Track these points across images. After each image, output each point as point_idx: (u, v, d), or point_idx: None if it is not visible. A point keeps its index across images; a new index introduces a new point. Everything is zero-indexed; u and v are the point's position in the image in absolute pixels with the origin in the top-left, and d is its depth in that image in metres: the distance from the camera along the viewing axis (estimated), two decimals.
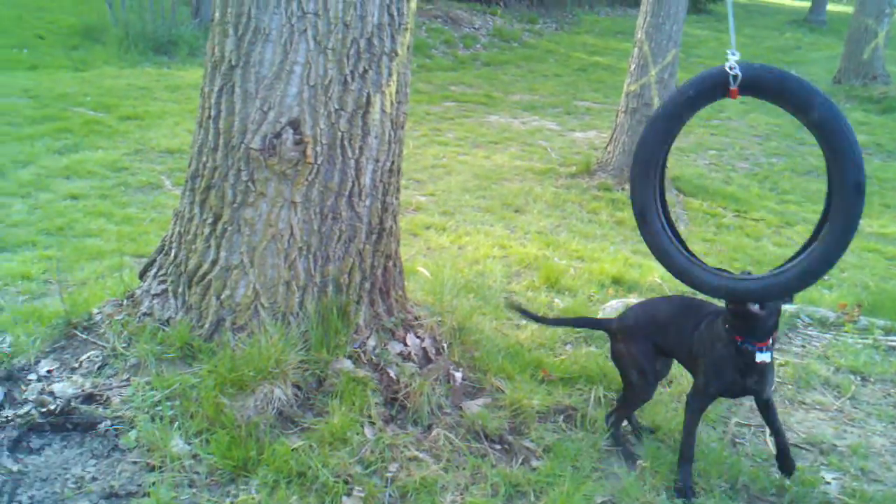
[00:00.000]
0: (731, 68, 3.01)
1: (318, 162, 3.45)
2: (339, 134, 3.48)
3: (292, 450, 3.12)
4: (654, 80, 8.18)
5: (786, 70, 3.05)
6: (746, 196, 8.77)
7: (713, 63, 16.66)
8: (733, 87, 3.03)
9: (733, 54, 3.02)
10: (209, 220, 3.56)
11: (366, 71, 3.48)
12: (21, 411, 3.22)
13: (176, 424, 3.17)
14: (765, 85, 3.03)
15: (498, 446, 3.52)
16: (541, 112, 12.00)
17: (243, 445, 3.10)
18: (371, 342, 3.77)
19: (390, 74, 3.58)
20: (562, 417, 3.83)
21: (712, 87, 3.12)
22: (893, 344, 5.08)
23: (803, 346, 5.02)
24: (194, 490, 2.95)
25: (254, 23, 3.35)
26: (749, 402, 4.21)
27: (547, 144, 10.04)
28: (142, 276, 3.92)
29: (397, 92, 3.67)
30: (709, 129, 12.00)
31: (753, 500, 3.38)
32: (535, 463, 3.44)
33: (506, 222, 7.01)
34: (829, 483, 3.53)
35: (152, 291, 3.75)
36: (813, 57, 19.32)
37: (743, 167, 10.19)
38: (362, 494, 3.03)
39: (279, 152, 3.37)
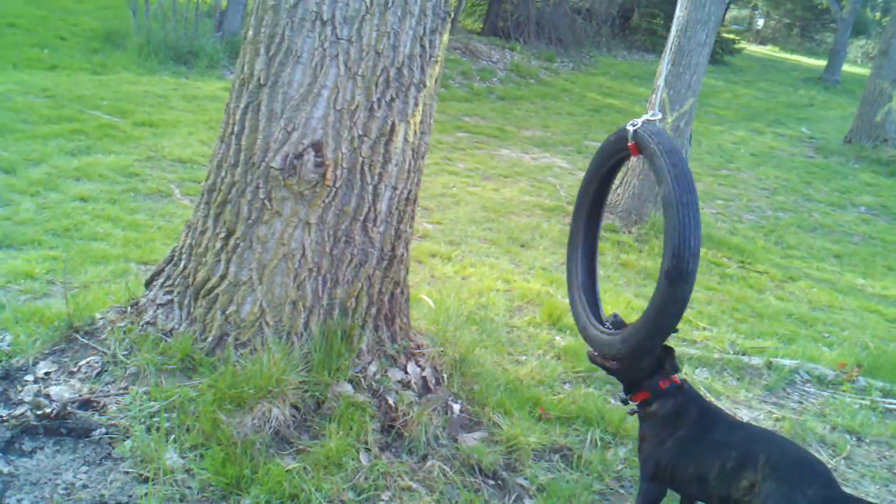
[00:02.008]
0: (633, 125, 3.19)
1: (337, 185, 3.47)
2: (361, 159, 3.50)
3: (286, 471, 3.11)
4: (670, 127, 8.22)
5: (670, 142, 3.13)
6: (751, 248, 8.79)
7: (725, 114, 16.75)
8: (630, 143, 3.21)
9: (654, 115, 3.22)
10: (222, 235, 3.57)
11: (393, 99, 3.51)
12: (16, 412, 3.21)
13: (171, 437, 3.16)
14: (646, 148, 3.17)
15: (492, 482, 3.51)
16: (552, 149, 12.05)
17: (238, 463, 3.09)
18: (372, 368, 3.76)
19: (416, 105, 3.61)
20: (557, 457, 3.82)
21: (618, 144, 3.38)
22: (890, 406, 5.08)
23: (801, 403, 5.02)
24: None
25: (286, 44, 3.38)
26: None
27: (556, 181, 10.08)
28: (148, 284, 3.92)
29: (422, 122, 3.70)
30: (717, 178, 12.05)
31: None
32: (527, 501, 3.43)
33: (511, 256, 7.02)
34: None
35: (157, 301, 3.75)
36: (825, 115, 19.43)
37: (749, 219, 10.22)
38: None
39: (299, 173, 3.38)
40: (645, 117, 3.19)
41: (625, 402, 3.40)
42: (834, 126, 17.35)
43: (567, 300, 5.90)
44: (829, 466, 4.19)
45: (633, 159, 3.63)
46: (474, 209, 8.27)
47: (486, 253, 6.96)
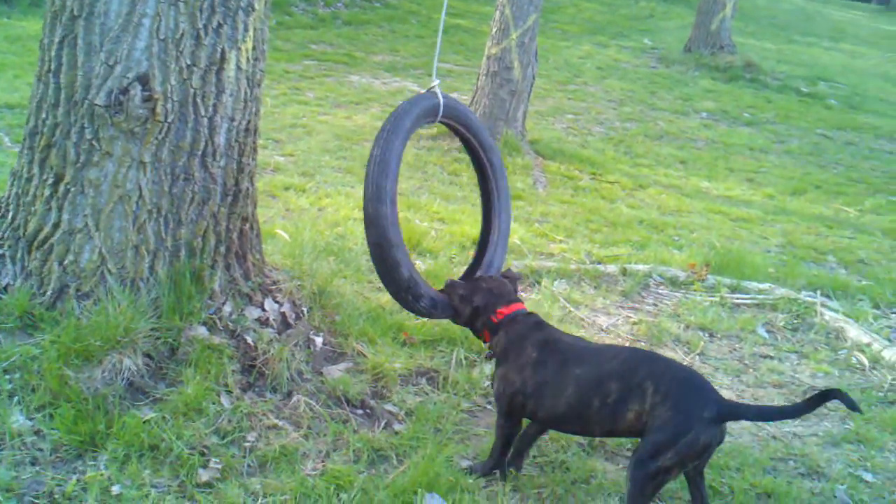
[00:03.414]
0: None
1: (169, 120, 3.27)
2: (192, 91, 3.31)
3: (144, 422, 2.99)
4: (515, 43, 8.23)
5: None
6: (602, 159, 8.99)
7: (570, 28, 16.96)
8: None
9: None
10: (50, 181, 3.33)
11: (220, 25, 3.32)
12: None
13: (15, 399, 2.99)
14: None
15: (360, 411, 3.48)
16: (403, 73, 11.91)
17: (91, 419, 2.95)
18: (227, 308, 3.64)
19: (247, 30, 3.43)
20: (424, 380, 3.84)
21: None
22: (738, 301, 5.34)
23: (655, 305, 5.21)
24: (38, 468, 2.79)
25: None
26: None
27: None
28: None
29: (254, 48, 3.52)
30: (566, 93, 12.23)
31: (610, 456, 3.48)
32: (397, 427, 3.43)
33: None
34: None
35: None
36: (665, 26, 19.92)
37: (599, 131, 10.45)
38: (219, 466, 2.94)
39: (126, 109, 3.17)
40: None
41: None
42: (674, 36, 17.83)
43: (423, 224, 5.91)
44: (686, 363, 4.39)
45: None
46: (327, 138, 8.10)
47: (341, 182, 6.84)
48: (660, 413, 2.77)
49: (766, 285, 5.59)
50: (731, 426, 3.82)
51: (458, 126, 3.83)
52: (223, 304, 3.62)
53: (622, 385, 2.88)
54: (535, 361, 3.08)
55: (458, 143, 8.38)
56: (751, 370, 4.49)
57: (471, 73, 11.61)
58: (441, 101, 3.63)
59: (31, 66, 8.59)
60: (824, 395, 2.75)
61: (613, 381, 2.90)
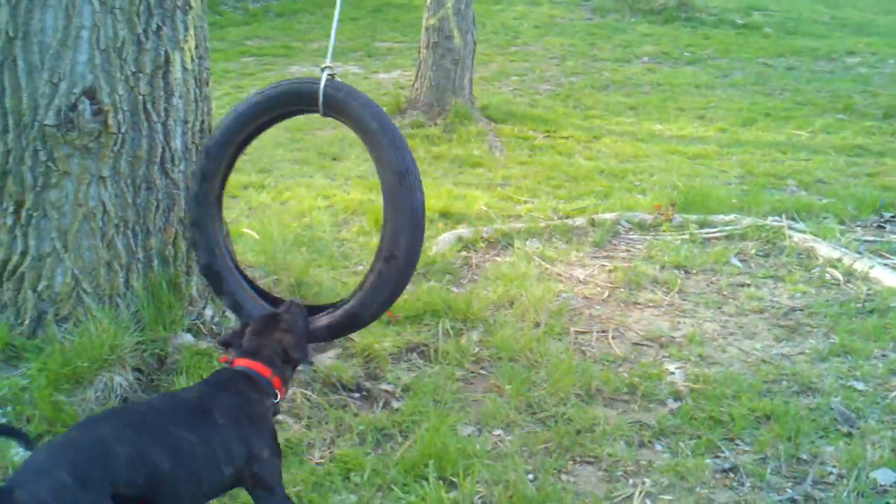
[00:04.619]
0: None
1: (122, 130, 3.22)
2: (141, 98, 3.26)
3: None
4: (452, 11, 8.19)
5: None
6: (553, 116, 9.00)
7: None
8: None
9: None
10: (10, 210, 3.27)
11: (160, 28, 3.26)
12: None
13: None
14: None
15: (357, 394, 3.48)
16: (342, 58, 11.80)
17: None
18: (208, 311, 3.62)
19: (187, 29, 3.38)
20: (415, 355, 3.84)
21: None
22: (708, 235, 5.40)
23: (628, 251, 5.25)
24: None
25: None
26: (587, 311, 4.38)
27: None
28: None
29: (197, 47, 3.47)
30: (507, 56, 12.21)
31: (609, 402, 3.52)
32: (396, 404, 3.43)
33: (325, 172, 6.89)
34: (673, 373, 3.73)
35: None
36: None
37: (546, 89, 10.46)
38: None
39: (78, 125, 3.11)
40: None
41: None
42: None
43: None
44: (667, 302, 4.45)
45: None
46: (277, 132, 7.99)
47: (299, 174, 6.80)
48: None
49: (732, 216, 5.65)
50: (720, 355, 3.90)
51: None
52: (203, 308, 3.60)
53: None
54: None
55: (408, 119, 8.39)
56: (731, 300, 4.55)
57: (411, 49, 11.56)
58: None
59: None
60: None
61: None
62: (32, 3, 3.06)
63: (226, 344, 2.74)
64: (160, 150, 3.37)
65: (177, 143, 3.43)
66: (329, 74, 2.97)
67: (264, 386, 2.51)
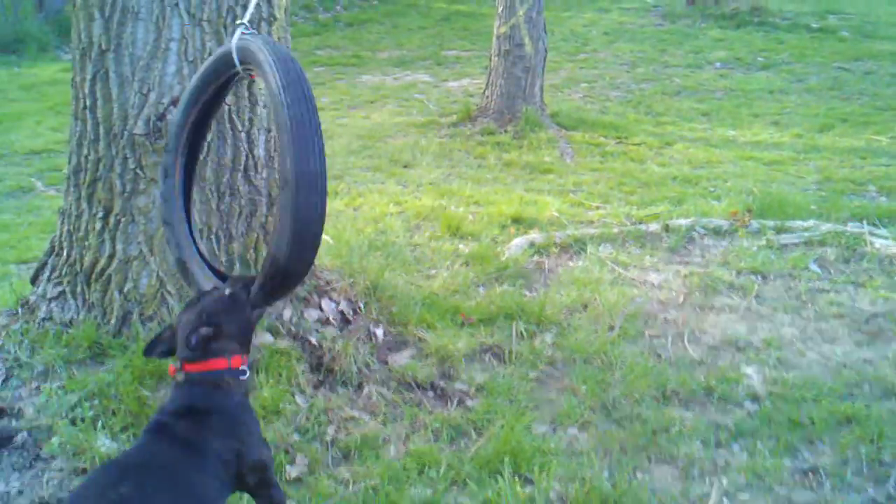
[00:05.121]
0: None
1: (208, 139, 3.34)
2: (226, 107, 3.38)
3: None
4: (523, 19, 8.24)
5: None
6: (624, 123, 8.96)
7: None
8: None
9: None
10: (100, 215, 3.42)
11: None
12: None
13: (99, 424, 3.07)
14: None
15: (431, 393, 3.54)
16: (411, 66, 11.94)
17: None
18: (287, 313, 3.71)
19: None
20: (488, 356, 3.89)
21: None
22: (785, 241, 5.32)
23: (703, 256, 5.21)
24: None
25: (120, 2, 3.20)
26: (662, 315, 4.36)
27: (423, 97, 10.01)
28: (33, 280, 3.75)
29: None
30: (577, 63, 12.18)
31: (685, 404, 3.51)
32: (470, 403, 3.48)
33: (397, 178, 6.98)
34: (751, 377, 3.70)
35: (48, 295, 3.59)
36: None
37: (616, 95, 10.41)
38: (306, 461, 3.02)
39: (165, 134, 3.24)
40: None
41: None
42: None
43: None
44: (744, 307, 4.40)
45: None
46: (349, 140, 8.16)
47: (371, 181, 6.90)
48: None
49: (810, 222, 5.56)
50: (799, 359, 3.85)
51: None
52: (282, 309, 3.70)
53: None
54: None
55: (479, 126, 8.46)
56: (810, 305, 4.48)
57: (478, 57, 11.63)
58: None
59: (49, 110, 8.78)
60: None
61: None
62: (125, 17, 3.21)
63: (151, 352, 2.51)
64: (244, 157, 3.49)
65: (260, 151, 3.54)
66: (243, 32, 2.67)
67: (227, 378, 2.34)
